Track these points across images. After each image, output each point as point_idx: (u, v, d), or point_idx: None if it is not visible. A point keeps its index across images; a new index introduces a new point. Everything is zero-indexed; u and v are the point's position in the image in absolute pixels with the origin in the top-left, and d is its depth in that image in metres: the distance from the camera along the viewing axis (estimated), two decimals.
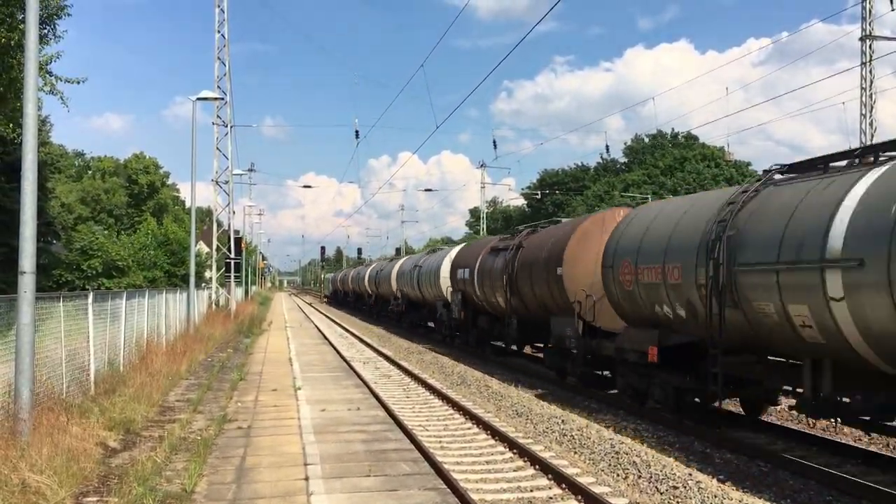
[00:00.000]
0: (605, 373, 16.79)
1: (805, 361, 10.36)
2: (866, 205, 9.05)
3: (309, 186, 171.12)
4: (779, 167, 11.68)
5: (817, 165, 10.90)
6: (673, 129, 78.07)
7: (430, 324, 35.70)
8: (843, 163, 10.48)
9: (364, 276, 57.75)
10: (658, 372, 13.60)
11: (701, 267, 11.80)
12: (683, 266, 12.34)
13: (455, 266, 27.84)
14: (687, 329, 12.74)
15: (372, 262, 70.57)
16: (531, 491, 9.54)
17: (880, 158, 9.86)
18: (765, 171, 11.96)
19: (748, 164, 70.19)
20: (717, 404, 12.31)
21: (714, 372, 11.69)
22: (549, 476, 10.07)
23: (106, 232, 44.57)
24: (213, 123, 41.22)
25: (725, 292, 11.15)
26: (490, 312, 24.39)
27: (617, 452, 11.15)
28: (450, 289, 28.84)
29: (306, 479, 9.25)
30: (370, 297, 54.70)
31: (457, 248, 31.29)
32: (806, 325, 9.77)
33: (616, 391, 15.92)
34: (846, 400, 10.01)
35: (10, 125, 21.64)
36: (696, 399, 13.18)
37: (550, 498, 9.25)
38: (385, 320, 47.04)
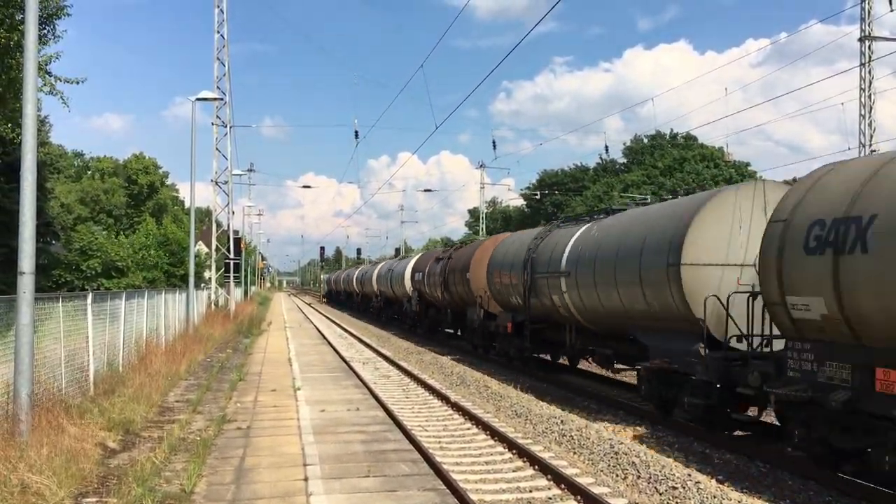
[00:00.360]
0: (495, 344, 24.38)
1: (567, 326, 18.70)
2: (575, 244, 17.41)
3: (308, 187, 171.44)
4: (563, 218, 22.22)
5: (582, 217, 19.76)
6: (672, 130, 78.13)
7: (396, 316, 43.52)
8: (603, 214, 18.15)
9: (353, 277, 66.80)
10: (512, 338, 21.99)
11: (524, 274, 20.27)
12: (518, 274, 20.80)
13: (414, 270, 36.42)
14: (522, 311, 20.87)
15: (363, 264, 76.93)
16: (530, 491, 9.54)
17: (599, 216, 18.14)
18: (554, 220, 19.09)
19: (747, 164, 70.24)
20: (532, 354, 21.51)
21: (526, 335, 20.77)
22: (549, 476, 10.07)
23: (105, 232, 44.58)
24: (212, 124, 41.26)
25: (530, 289, 19.84)
26: (436, 305, 32.80)
27: (616, 453, 11.16)
28: (411, 288, 36.54)
29: (305, 479, 9.25)
30: (357, 296, 64.02)
31: (416, 256, 39.07)
32: (558, 306, 18.32)
33: (496, 352, 24.30)
34: (590, 348, 18.10)
35: (10, 125, 21.62)
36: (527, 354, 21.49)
37: (550, 498, 9.25)
38: (392, 323, 46.73)
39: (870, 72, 33.63)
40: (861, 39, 33.65)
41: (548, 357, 22.77)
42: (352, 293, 69.07)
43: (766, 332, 11.53)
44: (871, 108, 33.63)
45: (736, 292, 11.97)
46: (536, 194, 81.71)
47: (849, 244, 8.86)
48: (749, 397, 11.52)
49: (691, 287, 12.47)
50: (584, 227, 17.74)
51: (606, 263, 15.36)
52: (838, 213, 9.16)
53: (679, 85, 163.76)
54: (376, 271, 51.02)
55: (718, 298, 12.09)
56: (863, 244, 8.70)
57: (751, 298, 11.62)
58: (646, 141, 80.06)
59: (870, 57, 33.36)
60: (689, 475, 9.81)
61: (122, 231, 52.28)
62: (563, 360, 22.72)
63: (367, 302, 56.54)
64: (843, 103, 50.48)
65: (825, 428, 9.57)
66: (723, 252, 12.60)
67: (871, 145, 33.10)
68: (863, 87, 33.75)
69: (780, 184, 13.10)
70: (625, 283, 14.50)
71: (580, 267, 16.67)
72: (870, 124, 33.62)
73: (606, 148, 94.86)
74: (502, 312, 22.84)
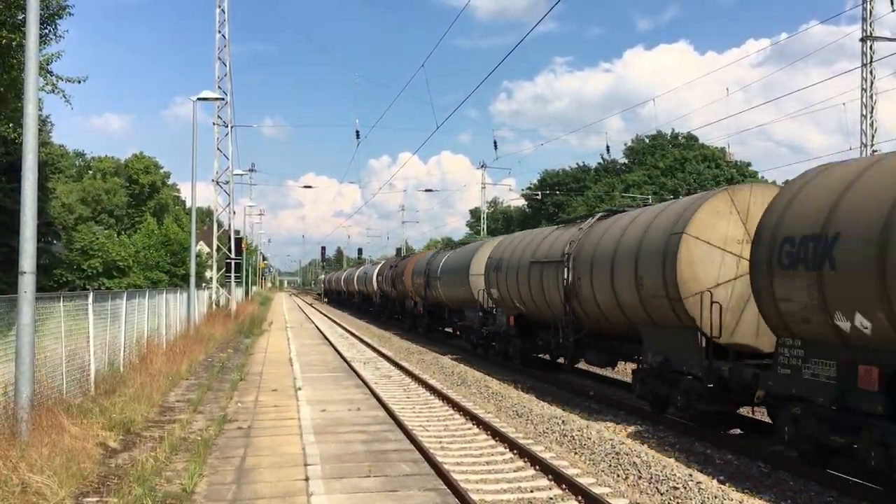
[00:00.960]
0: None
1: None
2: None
3: (309, 187, 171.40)
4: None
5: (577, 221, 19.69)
6: (673, 130, 78.09)
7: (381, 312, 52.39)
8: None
9: (342, 278, 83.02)
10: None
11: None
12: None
13: (378, 273, 51.06)
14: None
15: (364, 264, 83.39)
16: (531, 491, 9.53)
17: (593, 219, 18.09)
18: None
19: (748, 164, 70.23)
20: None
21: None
22: (550, 476, 10.07)
23: (107, 232, 44.59)
24: (213, 124, 41.24)
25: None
26: (393, 299, 45.29)
27: (617, 453, 11.15)
28: (378, 286, 50.71)
29: (306, 479, 9.25)
30: (344, 294, 79.01)
31: (381, 263, 55.62)
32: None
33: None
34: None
35: (11, 125, 21.64)
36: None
37: (551, 498, 9.24)
38: (392, 323, 47.12)
39: (871, 72, 33.59)
40: (863, 40, 33.62)
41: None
42: (341, 291, 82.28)
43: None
44: (872, 109, 33.59)
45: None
46: (538, 194, 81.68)
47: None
48: (742, 396, 11.71)
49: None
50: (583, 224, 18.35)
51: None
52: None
53: (679, 86, 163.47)
54: (357, 273, 64.91)
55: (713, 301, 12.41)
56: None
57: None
58: (647, 141, 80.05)
59: (871, 57, 33.32)
60: (691, 475, 9.79)
61: (123, 231, 52.33)
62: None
63: (351, 298, 69.47)
64: (844, 103, 50.42)
65: (814, 424, 9.68)
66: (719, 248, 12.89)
67: (872, 145, 33.07)
68: (864, 87, 33.71)
69: (750, 186, 13.59)
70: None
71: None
72: (871, 124, 33.58)
73: (608, 148, 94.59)
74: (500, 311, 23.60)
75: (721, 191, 13.44)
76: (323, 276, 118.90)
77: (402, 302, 41.66)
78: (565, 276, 17.25)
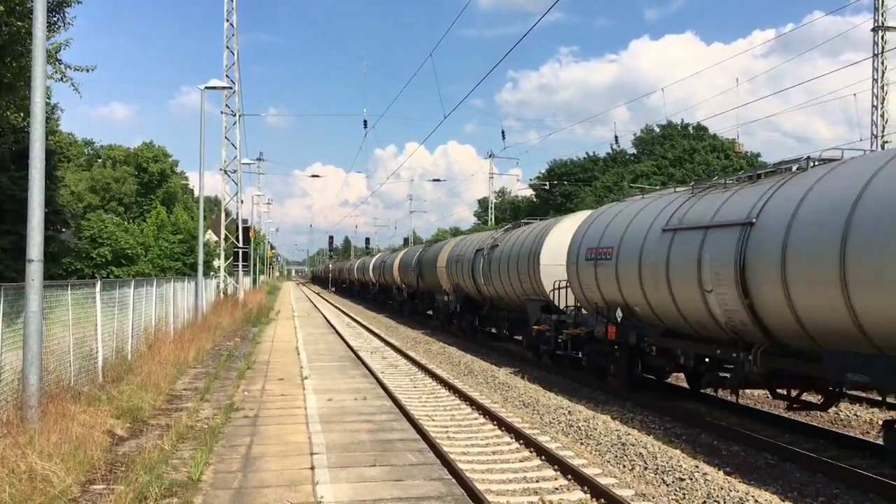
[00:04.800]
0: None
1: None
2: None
3: (317, 176, 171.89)
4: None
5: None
6: (683, 121, 77.71)
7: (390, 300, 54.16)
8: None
9: (335, 267, 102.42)
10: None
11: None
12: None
13: (375, 264, 57.55)
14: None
15: (371, 254, 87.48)
16: (537, 482, 9.54)
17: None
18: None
19: (758, 155, 69.91)
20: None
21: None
22: (556, 467, 10.07)
23: (116, 220, 44.68)
24: (221, 113, 41.23)
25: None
26: (383, 285, 52.72)
27: (623, 444, 11.14)
28: (372, 276, 58.29)
29: (312, 468, 9.27)
30: (344, 283, 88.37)
31: (378, 256, 62.36)
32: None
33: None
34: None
35: (21, 114, 21.66)
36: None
37: (556, 489, 9.24)
38: (388, 309, 48.56)
39: (883, 62, 33.33)
40: (874, 30, 33.34)
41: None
42: (335, 279, 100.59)
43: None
44: (883, 99, 33.35)
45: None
46: (546, 184, 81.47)
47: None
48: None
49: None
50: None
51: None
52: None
53: (686, 76, 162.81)
54: (356, 263, 74.67)
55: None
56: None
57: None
58: (657, 130, 79.68)
59: (883, 47, 33.05)
60: (697, 467, 9.78)
61: (132, 219, 52.45)
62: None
63: (352, 285, 78.23)
64: (855, 94, 50.13)
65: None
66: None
67: (882, 136, 32.85)
68: (875, 77, 33.46)
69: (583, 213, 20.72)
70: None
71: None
72: (882, 115, 33.34)
73: (616, 138, 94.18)
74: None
75: (567, 216, 21.69)
76: (333, 265, 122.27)
77: (389, 287, 48.86)
78: (481, 268, 25.21)
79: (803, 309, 9.79)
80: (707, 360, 12.84)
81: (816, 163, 11.04)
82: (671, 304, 12.95)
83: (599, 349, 16.45)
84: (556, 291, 19.25)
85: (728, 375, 12.14)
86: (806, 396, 12.25)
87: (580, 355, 17.51)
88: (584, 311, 17.38)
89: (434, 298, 34.44)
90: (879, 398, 13.07)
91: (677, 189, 15.26)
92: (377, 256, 64.11)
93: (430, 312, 36.71)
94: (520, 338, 24.32)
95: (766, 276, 10.34)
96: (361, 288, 69.19)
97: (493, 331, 28.56)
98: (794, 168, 11.35)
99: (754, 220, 10.78)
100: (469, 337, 28.76)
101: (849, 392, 12.58)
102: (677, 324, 13.22)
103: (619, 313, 15.15)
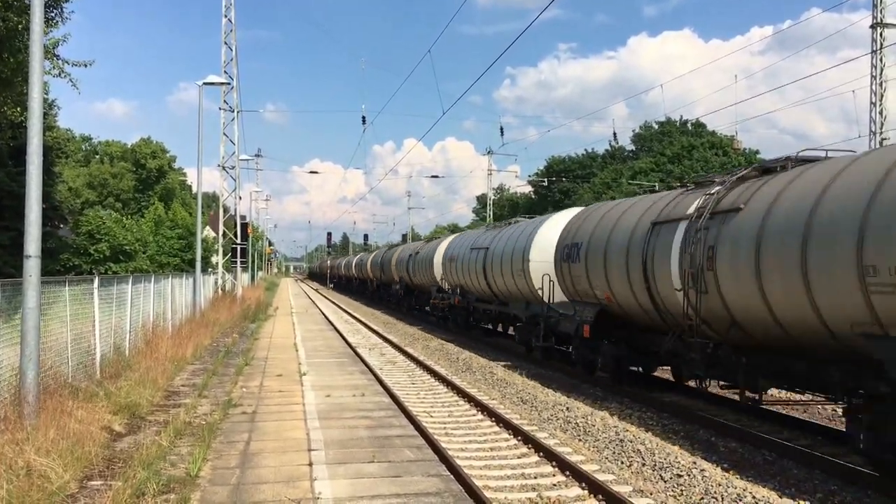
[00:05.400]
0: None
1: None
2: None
3: (315, 172, 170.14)
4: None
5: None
6: (682, 117, 77.74)
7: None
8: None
9: (333, 264, 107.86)
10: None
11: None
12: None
13: (374, 261, 57.60)
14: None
15: (370, 251, 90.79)
16: (535, 478, 9.54)
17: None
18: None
19: (756, 152, 69.85)
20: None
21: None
22: (554, 463, 10.08)
23: (115, 216, 44.64)
24: (220, 108, 41.17)
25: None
26: (382, 282, 53.13)
27: (621, 440, 11.15)
28: (370, 272, 58.89)
29: (310, 464, 9.26)
30: (342, 279, 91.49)
31: (376, 252, 62.32)
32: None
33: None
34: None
35: (19, 109, 21.62)
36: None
37: (555, 485, 9.25)
38: (386, 305, 48.23)
39: (881, 59, 33.31)
40: (873, 26, 33.32)
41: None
42: (325, 274, 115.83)
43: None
44: (882, 96, 33.35)
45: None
46: (544, 181, 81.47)
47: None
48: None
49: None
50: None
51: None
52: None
53: (684, 73, 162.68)
54: (344, 261, 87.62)
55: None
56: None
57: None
58: (656, 127, 79.68)
59: (882, 44, 33.04)
60: (695, 463, 9.79)
61: (130, 215, 52.41)
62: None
63: (342, 279, 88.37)
64: (854, 91, 50.08)
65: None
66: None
67: (881, 133, 32.85)
68: (874, 74, 33.44)
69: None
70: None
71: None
72: (880, 112, 33.35)
73: (615, 135, 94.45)
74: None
75: (557, 214, 21.71)
76: (316, 263, 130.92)
77: (388, 284, 49.53)
78: (484, 261, 24.75)
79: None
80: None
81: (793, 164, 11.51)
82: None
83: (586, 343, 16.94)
84: (543, 288, 19.67)
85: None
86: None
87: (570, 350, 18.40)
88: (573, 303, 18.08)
89: (431, 294, 34.84)
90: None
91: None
92: (375, 253, 64.21)
93: (427, 308, 36.60)
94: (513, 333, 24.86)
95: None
96: (360, 284, 69.46)
97: (489, 326, 29.16)
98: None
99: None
100: (464, 332, 29.08)
101: None
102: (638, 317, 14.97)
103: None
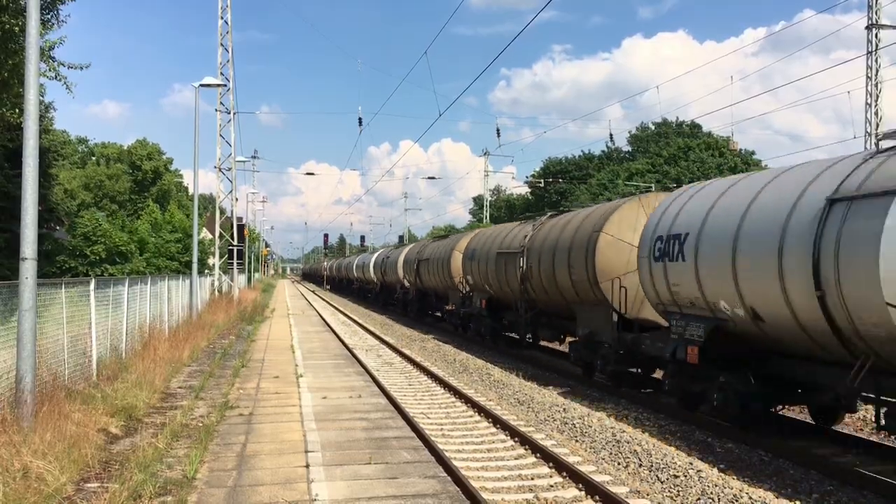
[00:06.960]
0: None
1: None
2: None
3: (311, 174, 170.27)
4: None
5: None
6: (678, 118, 77.84)
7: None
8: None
9: (330, 265, 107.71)
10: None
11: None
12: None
13: (377, 261, 54.26)
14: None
15: (365, 252, 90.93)
16: (532, 479, 9.55)
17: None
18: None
19: (752, 152, 70.05)
20: None
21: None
22: (551, 464, 10.08)
23: (110, 218, 44.58)
24: (216, 110, 41.18)
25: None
26: (385, 284, 50.01)
27: (618, 441, 11.16)
28: (372, 273, 55.64)
29: (307, 466, 9.26)
30: (341, 281, 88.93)
31: (379, 253, 59.47)
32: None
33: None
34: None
35: (16, 111, 21.58)
36: None
37: (551, 486, 9.26)
38: (384, 307, 48.26)
39: (877, 60, 33.40)
40: (868, 27, 33.42)
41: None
42: (322, 275, 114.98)
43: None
44: (877, 97, 33.43)
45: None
46: (541, 182, 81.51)
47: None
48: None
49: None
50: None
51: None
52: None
53: (679, 74, 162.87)
54: (335, 262, 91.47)
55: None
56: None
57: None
58: (652, 128, 79.76)
59: (877, 45, 33.13)
60: (691, 464, 9.81)
61: (126, 217, 52.33)
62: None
63: (336, 281, 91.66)
64: (849, 92, 50.21)
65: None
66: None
67: (876, 133, 32.93)
68: (869, 75, 33.54)
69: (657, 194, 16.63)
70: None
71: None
72: (876, 113, 33.43)
73: (611, 136, 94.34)
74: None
75: (633, 198, 16.42)
76: (310, 265, 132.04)
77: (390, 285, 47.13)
78: (521, 265, 20.23)
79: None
80: None
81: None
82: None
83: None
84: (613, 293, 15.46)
85: None
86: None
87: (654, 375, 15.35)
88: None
89: (448, 299, 30.93)
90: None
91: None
92: (378, 253, 61.29)
93: (438, 314, 35.07)
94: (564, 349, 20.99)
95: None
96: (360, 286, 67.40)
97: (516, 336, 23.89)
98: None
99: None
100: (489, 345, 24.63)
101: None
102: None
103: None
